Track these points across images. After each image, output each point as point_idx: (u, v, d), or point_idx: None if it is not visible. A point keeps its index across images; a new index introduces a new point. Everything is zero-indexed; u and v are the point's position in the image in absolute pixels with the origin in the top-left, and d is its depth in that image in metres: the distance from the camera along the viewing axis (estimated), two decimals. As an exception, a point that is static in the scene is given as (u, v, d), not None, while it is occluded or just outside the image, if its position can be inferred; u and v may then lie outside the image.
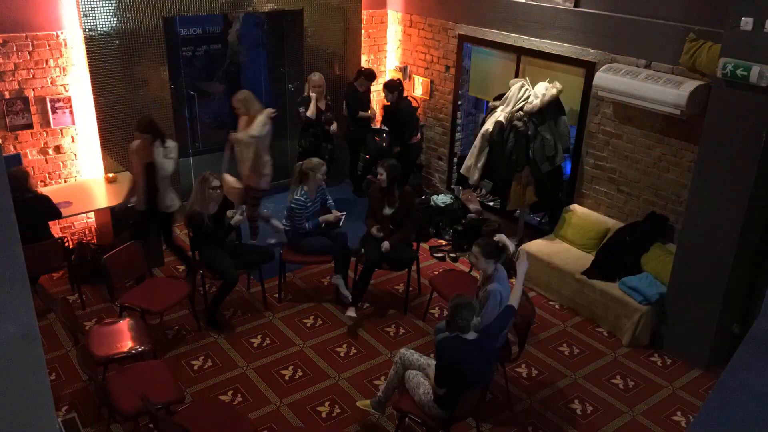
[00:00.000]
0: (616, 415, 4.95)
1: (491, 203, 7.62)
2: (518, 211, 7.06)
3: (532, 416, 4.89)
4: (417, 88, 8.34)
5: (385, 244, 5.78)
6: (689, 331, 5.44)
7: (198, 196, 5.56)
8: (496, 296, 4.53)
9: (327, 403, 4.93)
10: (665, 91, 5.44)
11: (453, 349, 4.07)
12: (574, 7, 6.32)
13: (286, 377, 5.20)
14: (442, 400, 4.16)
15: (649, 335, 5.66)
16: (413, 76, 8.36)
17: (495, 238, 4.69)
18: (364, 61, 8.44)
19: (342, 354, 5.49)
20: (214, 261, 5.63)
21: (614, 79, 5.82)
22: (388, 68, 8.71)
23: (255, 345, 5.55)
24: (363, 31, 8.26)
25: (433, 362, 4.30)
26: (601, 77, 5.93)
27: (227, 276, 5.59)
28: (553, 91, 6.30)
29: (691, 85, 5.34)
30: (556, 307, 6.24)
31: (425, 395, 4.22)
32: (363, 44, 8.33)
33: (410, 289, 6.19)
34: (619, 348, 5.71)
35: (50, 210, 5.75)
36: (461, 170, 7.01)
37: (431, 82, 8.14)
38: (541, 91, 6.34)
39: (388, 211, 5.96)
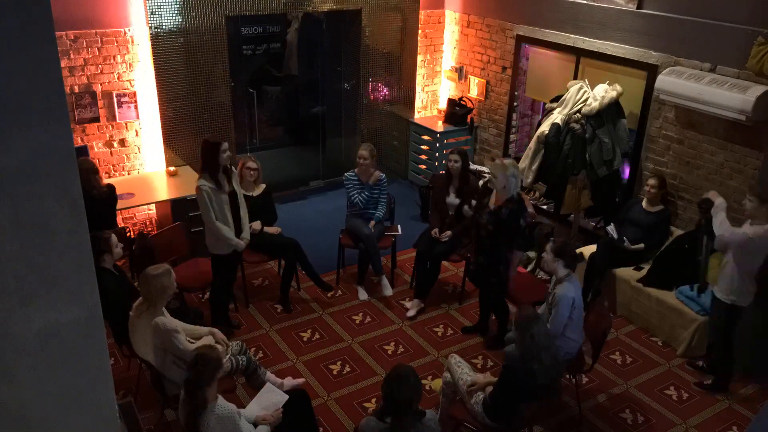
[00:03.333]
0: (668, 426, 4.83)
1: (545, 206, 7.52)
2: (572, 215, 6.95)
3: (582, 424, 4.82)
4: (472, 89, 8.30)
5: (447, 233, 5.92)
6: (749, 344, 5.25)
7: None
8: (567, 301, 4.42)
9: (374, 400, 4.96)
10: (730, 95, 5.28)
11: (518, 372, 3.88)
12: (637, 8, 6.19)
13: (335, 372, 5.27)
14: (492, 412, 4.04)
15: (706, 346, 5.49)
16: (469, 76, 8.33)
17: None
18: (420, 61, 8.45)
19: (390, 352, 5.52)
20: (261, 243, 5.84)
21: (677, 82, 5.68)
22: (444, 68, 8.70)
23: (305, 339, 5.64)
24: (420, 31, 8.28)
25: (469, 377, 4.24)
26: (664, 80, 5.80)
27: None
28: (613, 94, 6.18)
29: (757, 90, 5.16)
30: (610, 314, 6.10)
31: (476, 405, 4.12)
32: (419, 44, 8.34)
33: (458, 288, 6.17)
34: (674, 358, 5.57)
35: (112, 200, 5.94)
36: (515, 172, 6.93)
37: (487, 83, 8.09)
38: (600, 94, 6.23)
39: (454, 200, 6.04)
